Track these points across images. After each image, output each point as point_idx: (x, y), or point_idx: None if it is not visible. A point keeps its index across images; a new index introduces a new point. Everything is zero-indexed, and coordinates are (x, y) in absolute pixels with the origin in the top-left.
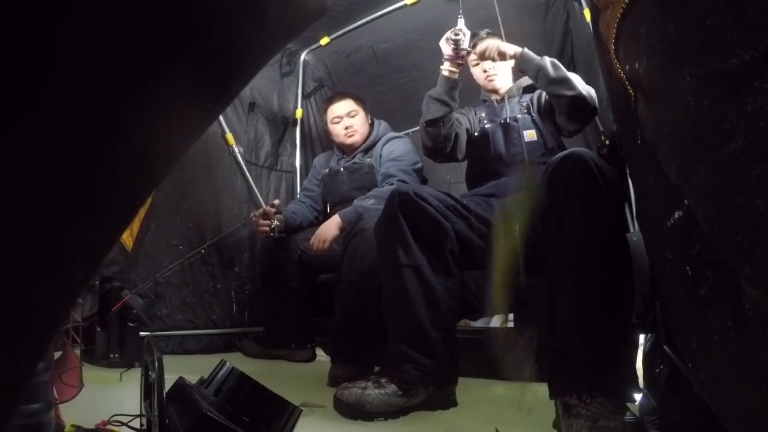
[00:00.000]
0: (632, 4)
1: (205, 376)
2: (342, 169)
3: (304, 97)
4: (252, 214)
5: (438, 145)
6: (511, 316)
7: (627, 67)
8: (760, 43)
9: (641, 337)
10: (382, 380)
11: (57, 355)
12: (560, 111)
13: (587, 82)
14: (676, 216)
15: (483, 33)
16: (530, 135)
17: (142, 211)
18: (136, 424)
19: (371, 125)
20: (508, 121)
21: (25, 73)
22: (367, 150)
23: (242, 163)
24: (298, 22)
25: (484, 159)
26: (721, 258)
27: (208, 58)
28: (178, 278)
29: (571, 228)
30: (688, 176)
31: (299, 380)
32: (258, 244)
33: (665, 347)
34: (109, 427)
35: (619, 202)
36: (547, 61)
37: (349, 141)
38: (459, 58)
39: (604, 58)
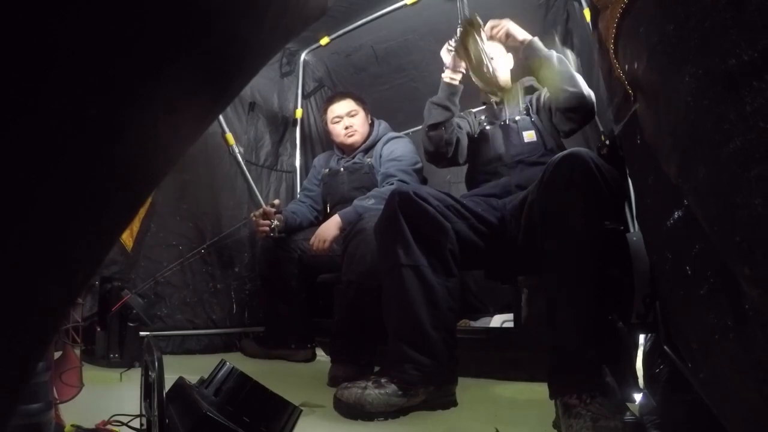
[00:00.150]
0: (632, 4)
1: (205, 376)
2: (342, 169)
3: (304, 97)
4: (252, 214)
5: (440, 150)
6: (511, 315)
7: (626, 67)
8: (759, 43)
9: (641, 337)
10: (382, 380)
11: (57, 355)
12: (558, 107)
13: (587, 82)
14: (676, 216)
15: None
16: (530, 136)
17: (142, 211)
18: (136, 424)
19: (371, 125)
20: (507, 122)
21: (25, 73)
22: (367, 150)
23: (242, 163)
24: (298, 23)
25: (484, 160)
26: (720, 258)
27: (208, 58)
28: (177, 278)
29: (571, 228)
30: (687, 176)
31: (299, 380)
32: (258, 244)
33: (665, 347)
34: (109, 427)
35: (619, 202)
36: (554, 54)
37: (349, 141)
38: (459, 66)
39: (604, 58)
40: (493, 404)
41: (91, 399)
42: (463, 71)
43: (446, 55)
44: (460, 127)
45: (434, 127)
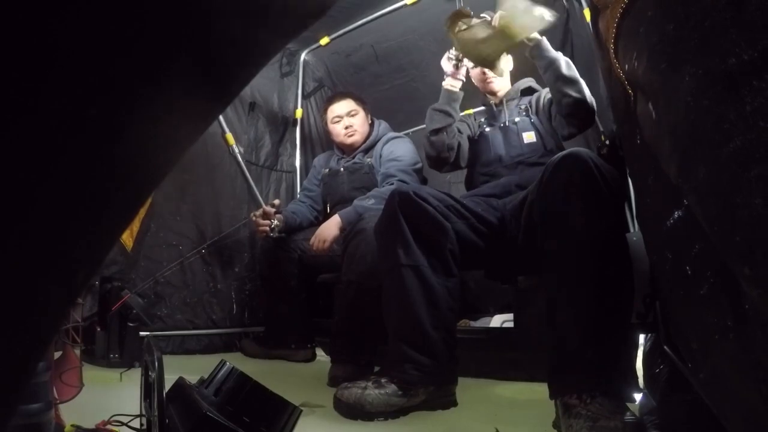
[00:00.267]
0: (632, 3)
1: (205, 376)
2: (342, 169)
3: (304, 97)
4: (252, 214)
5: (443, 155)
6: (511, 316)
7: (626, 66)
8: (759, 42)
9: (641, 337)
10: (382, 380)
11: (57, 355)
12: (560, 111)
13: (587, 82)
14: (676, 216)
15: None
16: (529, 137)
17: (142, 211)
18: (136, 424)
19: (371, 125)
20: (507, 124)
21: (25, 73)
22: (367, 150)
23: (242, 163)
24: (298, 23)
25: (484, 162)
26: (720, 258)
27: (208, 58)
28: (178, 278)
29: (571, 228)
30: (687, 176)
31: (299, 380)
32: (258, 244)
33: (665, 347)
34: (109, 427)
35: (619, 202)
36: (562, 57)
37: (349, 141)
38: (459, 74)
39: (604, 58)
40: (493, 404)
41: (91, 399)
42: (463, 79)
43: (446, 63)
44: (460, 132)
45: (436, 132)
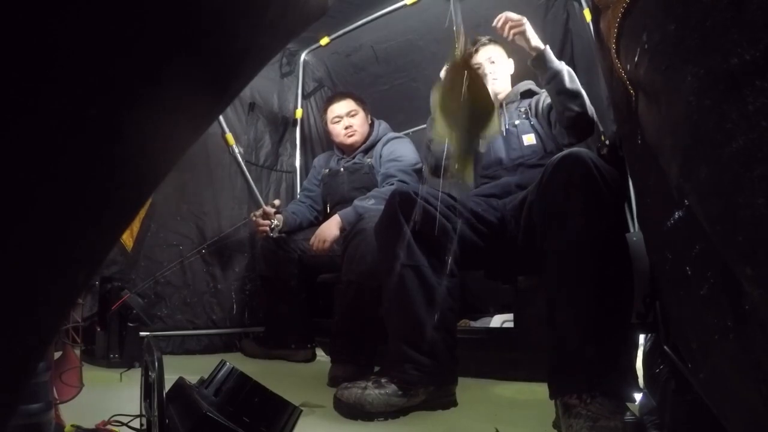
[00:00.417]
0: (633, 3)
1: (205, 376)
2: (342, 169)
3: (304, 97)
4: (252, 214)
5: (443, 163)
6: (511, 316)
7: (628, 66)
8: (761, 42)
9: (641, 337)
10: (382, 380)
11: (57, 355)
12: (561, 122)
13: (587, 82)
14: (676, 216)
15: (485, 39)
16: (529, 139)
17: (142, 211)
18: (136, 424)
19: (371, 125)
20: (507, 127)
21: (25, 73)
22: (367, 150)
23: (242, 163)
24: (298, 23)
25: (484, 164)
26: (721, 258)
27: (208, 58)
28: (178, 278)
29: (571, 228)
30: (688, 176)
31: (299, 380)
32: (258, 244)
33: (665, 347)
34: (109, 427)
35: (619, 202)
36: (565, 69)
37: (349, 141)
38: None
39: (605, 58)
40: (493, 404)
41: (91, 399)
42: None
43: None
44: None
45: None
